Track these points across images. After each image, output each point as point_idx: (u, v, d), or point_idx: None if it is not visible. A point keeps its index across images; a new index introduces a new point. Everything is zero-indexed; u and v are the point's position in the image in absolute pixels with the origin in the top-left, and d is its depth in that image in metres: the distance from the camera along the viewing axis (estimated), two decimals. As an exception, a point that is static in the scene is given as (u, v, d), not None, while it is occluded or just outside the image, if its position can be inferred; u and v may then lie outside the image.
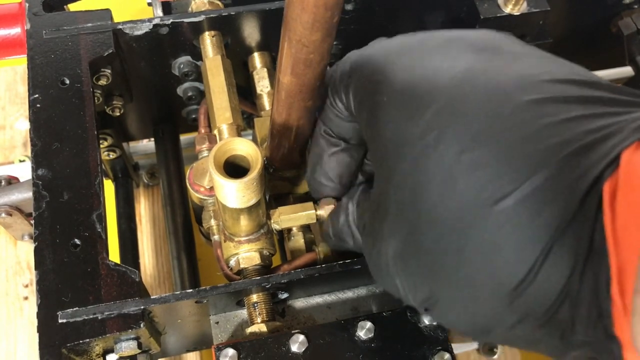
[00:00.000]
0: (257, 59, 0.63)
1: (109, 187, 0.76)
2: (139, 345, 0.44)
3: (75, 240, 0.45)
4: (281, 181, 0.52)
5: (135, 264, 0.73)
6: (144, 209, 0.84)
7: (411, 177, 0.32)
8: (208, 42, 0.58)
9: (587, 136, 0.27)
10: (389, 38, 0.39)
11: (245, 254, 0.48)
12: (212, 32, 0.59)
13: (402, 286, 0.36)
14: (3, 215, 0.57)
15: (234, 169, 0.40)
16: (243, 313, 0.49)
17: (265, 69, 0.62)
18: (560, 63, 0.33)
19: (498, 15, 0.60)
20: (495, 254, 0.29)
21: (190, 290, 0.45)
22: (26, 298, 0.76)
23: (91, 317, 0.43)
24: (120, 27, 0.56)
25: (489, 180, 0.28)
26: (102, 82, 0.56)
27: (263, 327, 0.46)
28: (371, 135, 0.37)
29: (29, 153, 0.84)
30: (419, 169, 0.31)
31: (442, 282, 0.32)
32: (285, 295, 0.49)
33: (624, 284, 0.25)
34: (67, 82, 0.52)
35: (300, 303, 0.50)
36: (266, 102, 0.60)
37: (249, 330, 0.46)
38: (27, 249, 0.79)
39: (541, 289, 0.28)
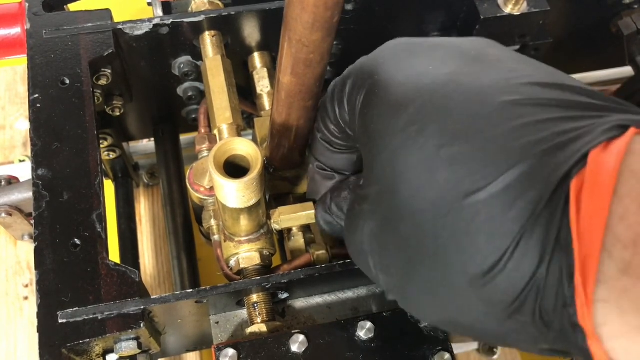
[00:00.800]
0: (257, 59, 0.63)
1: (109, 187, 0.76)
2: (139, 345, 0.44)
3: (75, 240, 0.45)
4: (281, 181, 0.52)
5: (135, 264, 0.73)
6: (144, 209, 0.84)
7: (391, 166, 0.34)
8: (208, 42, 0.58)
9: (560, 137, 0.29)
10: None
11: (245, 254, 0.48)
12: (212, 32, 0.59)
13: (374, 265, 0.37)
14: (3, 215, 0.58)
15: (234, 169, 0.40)
16: (243, 313, 0.49)
17: (265, 69, 0.62)
18: (541, 68, 0.35)
19: (498, 15, 0.60)
20: (468, 243, 0.30)
21: (190, 290, 0.45)
22: (26, 298, 0.76)
23: (91, 317, 0.43)
24: (120, 27, 0.56)
25: (465, 174, 0.30)
26: (102, 82, 0.56)
27: (263, 327, 0.46)
28: (361, 130, 0.38)
29: (29, 153, 0.84)
30: (399, 158, 0.33)
31: (415, 266, 0.33)
32: (285, 295, 0.49)
33: (587, 275, 0.26)
34: (67, 82, 0.52)
35: (300, 303, 0.50)
36: (266, 102, 0.60)
37: (249, 330, 0.46)
38: (27, 249, 0.79)
39: (510, 277, 0.29)
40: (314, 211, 0.48)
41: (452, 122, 0.32)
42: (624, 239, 0.26)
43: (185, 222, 0.73)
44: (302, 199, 0.52)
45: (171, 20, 0.57)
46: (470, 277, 0.30)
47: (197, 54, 0.60)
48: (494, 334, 0.33)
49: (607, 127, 0.28)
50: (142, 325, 0.43)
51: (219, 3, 0.63)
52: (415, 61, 0.36)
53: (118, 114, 0.62)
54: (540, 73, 0.34)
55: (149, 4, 0.63)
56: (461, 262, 0.30)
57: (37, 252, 0.44)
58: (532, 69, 0.35)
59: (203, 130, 0.59)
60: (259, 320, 0.46)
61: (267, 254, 0.49)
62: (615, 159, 0.27)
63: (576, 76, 0.74)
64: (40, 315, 0.43)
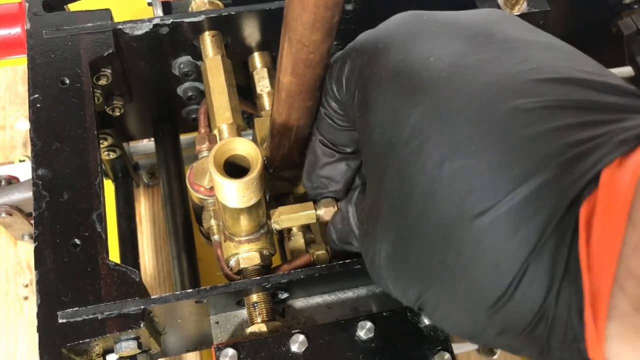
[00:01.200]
0: (257, 59, 0.62)
1: (109, 187, 0.76)
2: (139, 345, 0.44)
3: (75, 240, 0.45)
4: (281, 181, 0.52)
5: (135, 264, 0.73)
6: (144, 209, 0.84)
7: (398, 184, 0.32)
8: (208, 42, 0.58)
9: (571, 149, 0.27)
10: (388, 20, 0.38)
11: (245, 254, 0.48)
12: (212, 32, 0.59)
13: (394, 288, 0.36)
14: (3, 215, 0.57)
15: (234, 169, 0.40)
16: (243, 313, 0.49)
17: (265, 69, 0.62)
18: (556, 50, 0.32)
19: (498, 15, 0.60)
20: (475, 270, 0.29)
21: (190, 290, 0.45)
22: (26, 298, 0.76)
23: (91, 317, 0.43)
24: (120, 27, 0.55)
25: (467, 193, 0.28)
26: (102, 82, 0.56)
27: (263, 327, 0.46)
28: (361, 122, 0.37)
29: (29, 153, 0.84)
30: (404, 177, 0.31)
31: (428, 290, 0.33)
32: (285, 295, 0.49)
33: (597, 310, 0.25)
34: (67, 82, 0.52)
35: (300, 303, 0.50)
36: (266, 102, 0.60)
37: (249, 330, 0.46)
38: (27, 249, 0.79)
39: (519, 306, 0.28)
40: (314, 211, 0.48)
41: (454, 132, 0.29)
42: (637, 272, 0.24)
43: (185, 222, 0.73)
44: (302, 199, 0.52)
45: (171, 20, 0.57)
46: (479, 304, 0.29)
47: (197, 54, 0.60)
48: (509, 347, 0.32)
49: (623, 138, 0.26)
50: (142, 325, 0.43)
51: (219, 3, 0.63)
52: (416, 49, 0.34)
53: (118, 114, 0.62)
54: (556, 60, 0.31)
55: (149, 4, 0.63)
56: (469, 288, 0.29)
57: (37, 252, 0.44)
58: (547, 55, 0.31)
59: (203, 130, 0.59)
60: (259, 320, 0.46)
61: (267, 254, 0.49)
62: (630, 179, 0.24)
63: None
64: (40, 315, 0.43)
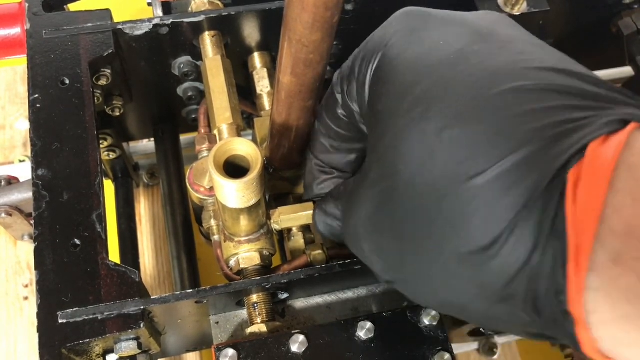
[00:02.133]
0: (257, 59, 0.63)
1: (109, 187, 0.76)
2: (139, 346, 0.44)
3: (75, 240, 0.45)
4: (281, 181, 0.52)
5: (135, 264, 0.73)
6: (144, 209, 0.84)
7: (394, 147, 0.34)
8: (208, 42, 0.58)
9: (561, 126, 0.29)
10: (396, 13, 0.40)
11: (245, 254, 0.48)
12: (212, 32, 0.59)
13: (369, 249, 0.37)
14: (3, 215, 0.57)
15: (234, 169, 0.40)
16: (243, 313, 0.49)
17: (265, 69, 0.62)
18: (551, 52, 0.35)
19: (498, 15, 0.60)
20: (463, 225, 0.30)
21: (190, 290, 0.45)
22: (26, 298, 0.76)
23: (91, 317, 0.43)
24: (120, 27, 0.55)
25: (465, 158, 0.30)
26: (102, 82, 0.56)
27: (263, 327, 0.46)
28: (369, 109, 0.39)
29: (29, 153, 0.83)
30: (402, 140, 0.33)
31: (410, 248, 0.34)
32: (285, 296, 0.49)
33: (579, 263, 0.27)
34: (67, 82, 0.52)
35: (300, 303, 0.50)
36: (266, 102, 0.60)
37: (249, 330, 0.46)
38: (27, 249, 0.79)
39: (503, 262, 0.29)
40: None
41: (457, 104, 0.32)
42: (617, 230, 0.26)
43: (185, 222, 0.73)
44: (302, 199, 0.52)
45: (171, 20, 0.57)
46: (462, 257, 0.31)
47: (197, 54, 0.60)
48: (485, 316, 0.33)
49: (608, 120, 0.29)
50: (142, 325, 0.43)
51: (219, 3, 0.63)
52: (425, 35, 0.36)
53: (118, 114, 0.62)
54: (550, 57, 0.34)
55: (149, 4, 0.63)
56: (455, 243, 0.31)
57: (37, 252, 0.44)
58: (542, 52, 0.34)
59: (203, 130, 0.59)
60: (259, 320, 0.46)
61: (267, 254, 0.49)
62: (613, 153, 0.27)
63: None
64: (40, 315, 0.43)
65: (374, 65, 0.38)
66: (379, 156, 0.35)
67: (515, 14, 0.60)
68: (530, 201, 0.28)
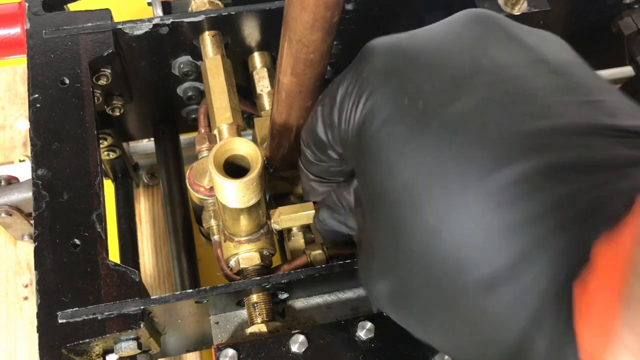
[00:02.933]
0: (257, 59, 0.62)
1: (109, 187, 0.76)
2: (139, 346, 0.44)
3: (75, 240, 0.45)
4: (281, 181, 0.52)
5: (135, 264, 0.73)
6: (144, 209, 0.84)
7: (395, 239, 0.32)
8: (208, 42, 0.58)
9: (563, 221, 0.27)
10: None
11: (245, 254, 0.48)
12: (212, 32, 0.59)
13: (394, 317, 0.36)
14: (3, 215, 0.57)
15: (234, 169, 0.40)
16: (243, 313, 0.49)
17: (265, 69, 0.62)
18: (565, 81, 0.31)
19: (498, 15, 0.60)
20: (480, 326, 0.30)
21: (190, 290, 0.45)
22: (26, 298, 0.76)
23: (91, 317, 0.43)
24: (120, 27, 0.55)
25: (471, 259, 0.29)
26: (102, 82, 0.56)
27: (263, 327, 0.46)
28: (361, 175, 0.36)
29: (29, 153, 0.83)
30: (400, 233, 0.32)
31: (432, 333, 0.34)
32: (285, 296, 0.49)
33: None
34: (67, 82, 0.52)
35: (300, 303, 0.50)
36: (266, 102, 0.60)
37: (249, 330, 0.46)
38: (27, 249, 0.79)
39: (528, 357, 0.28)
40: (314, 211, 0.48)
41: (447, 195, 0.30)
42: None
43: (185, 222, 0.73)
44: (302, 199, 0.52)
45: (171, 20, 0.57)
46: (486, 349, 0.30)
47: (197, 54, 0.60)
48: None
49: (613, 210, 0.25)
50: (142, 325, 0.43)
51: (219, 3, 0.63)
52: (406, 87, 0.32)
53: (118, 114, 0.62)
54: (562, 93, 0.30)
55: (149, 4, 0.63)
56: (483, 335, 0.30)
57: (37, 252, 0.44)
58: (550, 92, 0.30)
59: (203, 130, 0.59)
60: (259, 320, 0.46)
61: (267, 254, 0.49)
62: (624, 261, 0.23)
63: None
64: (40, 315, 0.43)
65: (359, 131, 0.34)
66: (384, 233, 0.33)
67: (515, 13, 0.60)
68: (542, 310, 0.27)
